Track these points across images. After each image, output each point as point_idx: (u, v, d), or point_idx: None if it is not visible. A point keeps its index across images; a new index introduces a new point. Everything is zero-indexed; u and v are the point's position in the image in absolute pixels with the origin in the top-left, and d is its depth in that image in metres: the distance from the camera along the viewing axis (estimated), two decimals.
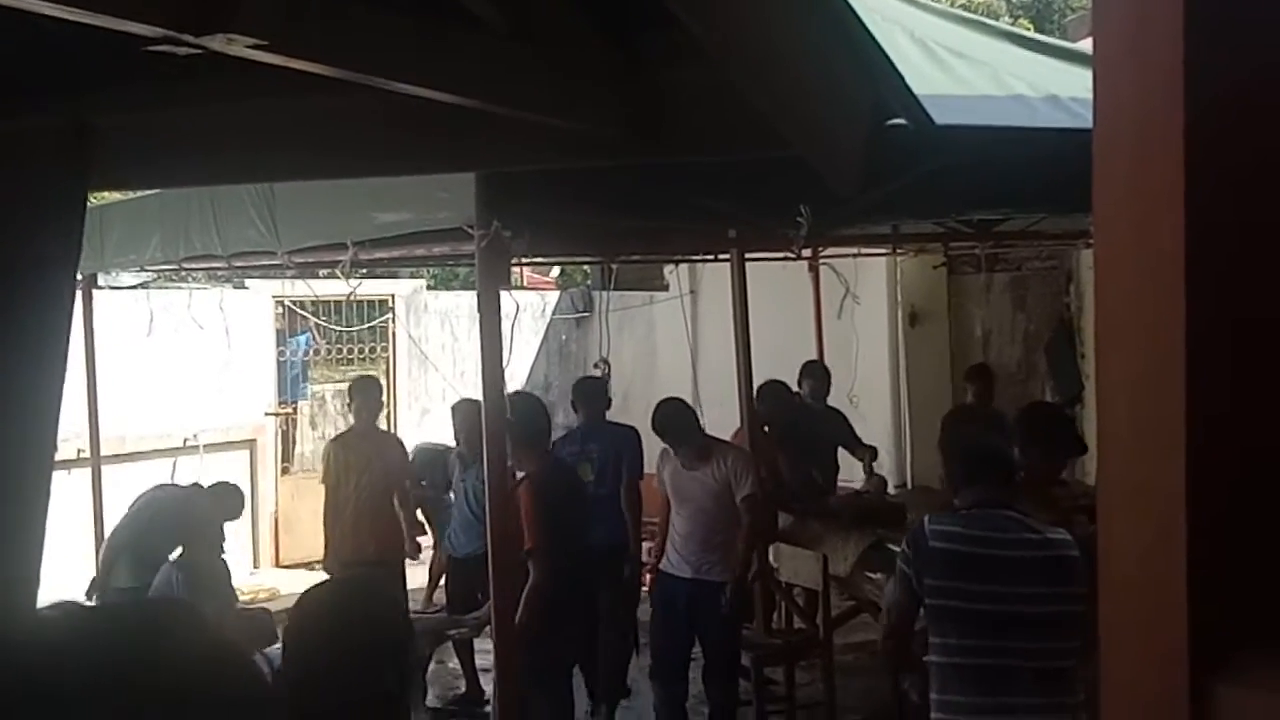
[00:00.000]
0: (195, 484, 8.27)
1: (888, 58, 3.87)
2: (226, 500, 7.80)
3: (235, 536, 10.88)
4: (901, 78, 4.00)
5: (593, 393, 8.56)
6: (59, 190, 2.83)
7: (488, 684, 7.95)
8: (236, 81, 2.74)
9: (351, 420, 8.92)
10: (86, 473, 8.41)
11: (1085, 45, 6.27)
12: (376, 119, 3.27)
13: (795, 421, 8.96)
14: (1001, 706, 4.13)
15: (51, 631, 0.95)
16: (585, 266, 15.97)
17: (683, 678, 7.04)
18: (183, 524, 7.25)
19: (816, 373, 9.59)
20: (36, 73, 2.76)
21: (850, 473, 9.54)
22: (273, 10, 2.08)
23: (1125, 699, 1.03)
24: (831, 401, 9.64)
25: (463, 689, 8.50)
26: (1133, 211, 0.97)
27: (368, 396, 8.76)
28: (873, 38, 3.69)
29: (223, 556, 7.37)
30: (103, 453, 8.60)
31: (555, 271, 18.51)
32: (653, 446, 7.49)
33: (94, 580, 7.47)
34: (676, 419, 7.11)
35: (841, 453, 9.45)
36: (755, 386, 8.00)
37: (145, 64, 2.33)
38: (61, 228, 2.84)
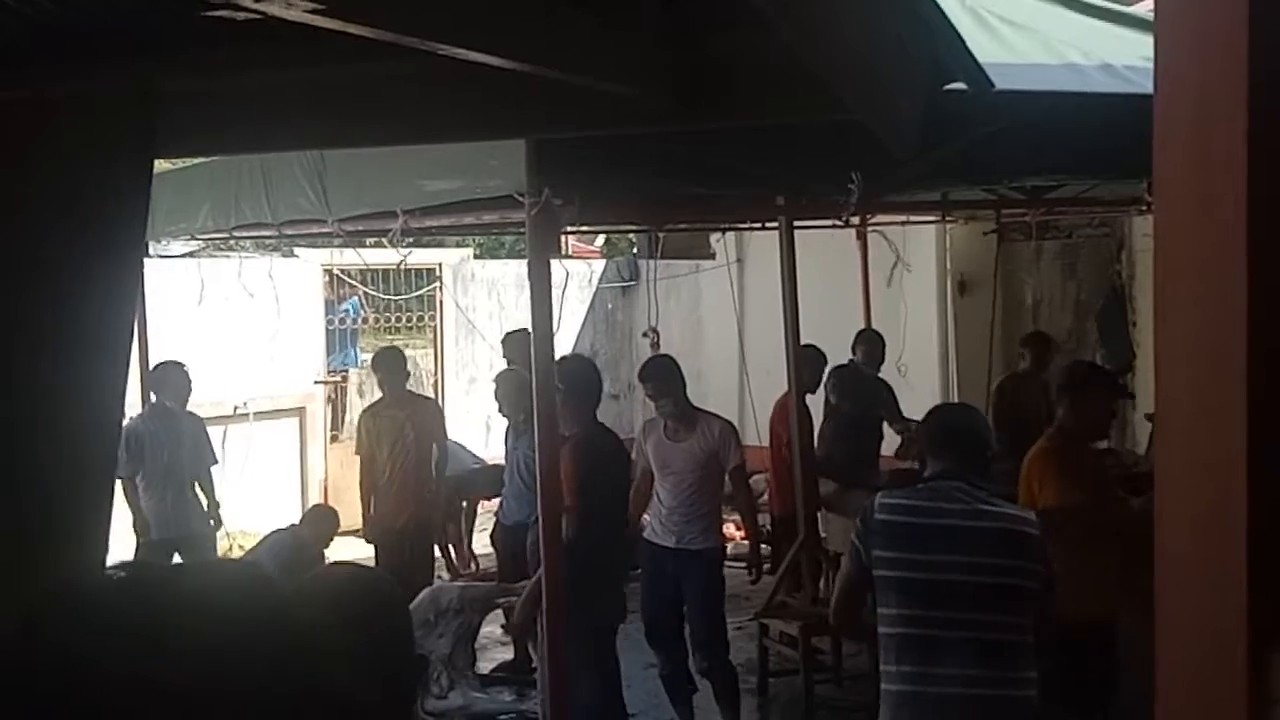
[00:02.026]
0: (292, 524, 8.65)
1: (947, 20, 3.82)
2: (323, 524, 8.45)
3: (285, 505, 10.99)
4: (961, 40, 3.95)
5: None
6: (127, 156, 2.84)
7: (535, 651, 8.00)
8: (291, 47, 2.74)
9: (380, 393, 9.01)
10: None
11: (1139, 9, 6.18)
12: (427, 85, 3.25)
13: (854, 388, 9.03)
14: (939, 676, 4.08)
15: (120, 590, 0.96)
16: (631, 235, 15.94)
17: (679, 637, 7.06)
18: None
19: (871, 339, 9.64)
20: (100, 35, 2.76)
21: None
22: None
23: (1181, 672, 1.02)
24: (881, 371, 9.63)
25: (511, 656, 8.53)
26: (1194, 175, 0.96)
27: (390, 368, 8.82)
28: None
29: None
30: None
31: (600, 240, 18.48)
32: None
33: None
34: (663, 369, 7.10)
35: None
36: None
37: (203, 29, 2.34)
38: (130, 195, 2.85)
